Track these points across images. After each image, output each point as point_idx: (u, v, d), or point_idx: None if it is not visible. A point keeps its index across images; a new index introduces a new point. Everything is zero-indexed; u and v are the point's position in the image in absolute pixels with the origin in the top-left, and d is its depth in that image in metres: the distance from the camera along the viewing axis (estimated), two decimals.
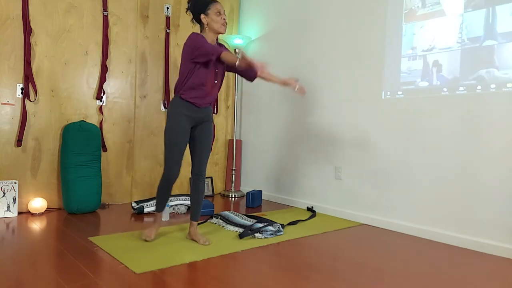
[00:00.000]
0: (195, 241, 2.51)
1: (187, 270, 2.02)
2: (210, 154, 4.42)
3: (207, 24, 2.45)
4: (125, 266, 2.03)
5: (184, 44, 2.39)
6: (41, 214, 3.14)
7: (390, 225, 3.07)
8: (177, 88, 2.43)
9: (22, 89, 3.15)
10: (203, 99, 2.43)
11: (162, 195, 2.51)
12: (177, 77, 2.65)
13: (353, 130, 3.38)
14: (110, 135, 3.65)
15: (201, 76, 2.38)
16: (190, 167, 2.54)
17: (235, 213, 3.15)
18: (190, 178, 2.95)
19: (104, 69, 3.55)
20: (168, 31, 3.99)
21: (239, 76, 4.62)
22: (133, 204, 3.32)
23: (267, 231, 2.71)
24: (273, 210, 3.68)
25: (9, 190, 3.04)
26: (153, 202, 3.33)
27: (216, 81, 2.50)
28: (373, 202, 3.20)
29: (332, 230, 2.98)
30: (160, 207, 2.55)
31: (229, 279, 1.92)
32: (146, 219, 3.13)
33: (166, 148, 2.41)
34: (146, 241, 2.46)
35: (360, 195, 3.31)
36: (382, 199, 3.14)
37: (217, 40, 2.56)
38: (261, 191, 3.94)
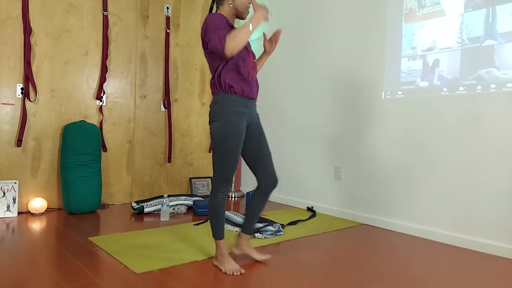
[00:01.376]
0: (247, 254, 2.18)
1: (187, 270, 2.02)
2: (211, 154, 4.46)
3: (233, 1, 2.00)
4: (125, 266, 2.03)
5: (204, 24, 1.95)
6: (41, 214, 3.14)
7: (390, 225, 3.07)
8: (215, 84, 1.99)
9: (22, 89, 3.16)
10: (251, 86, 2.01)
11: (222, 216, 2.02)
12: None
13: (353, 130, 3.38)
14: (110, 135, 3.65)
15: (239, 56, 1.96)
16: (212, 172, 2.12)
17: (235, 213, 3.15)
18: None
19: (104, 69, 3.55)
20: (168, 31, 3.99)
21: None
22: (133, 204, 3.32)
23: (267, 231, 2.71)
24: (273, 210, 3.68)
25: (9, 190, 3.04)
26: (153, 202, 3.33)
27: (254, 59, 2.11)
28: (373, 202, 3.20)
29: (332, 230, 2.98)
30: (221, 232, 2.04)
31: (229, 279, 1.92)
32: (146, 219, 3.13)
33: (220, 158, 1.95)
34: (241, 274, 2.00)
35: (360, 195, 3.31)
36: (382, 199, 3.14)
37: None
38: None
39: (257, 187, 2.14)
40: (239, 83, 1.95)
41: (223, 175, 1.96)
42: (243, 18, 2.06)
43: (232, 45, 1.81)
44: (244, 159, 2.15)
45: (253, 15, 1.85)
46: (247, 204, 3.75)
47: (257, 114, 2.13)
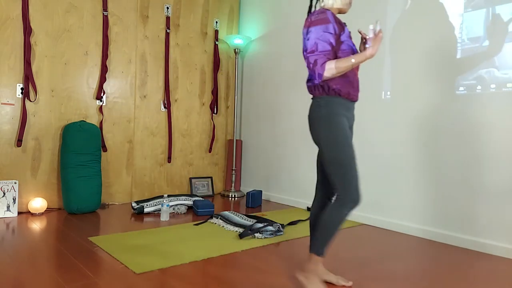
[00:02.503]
0: (327, 281, 1.92)
1: (187, 270, 2.02)
2: (210, 154, 4.46)
3: None
4: (125, 266, 2.03)
5: (310, 23, 1.79)
6: (41, 214, 3.14)
7: (390, 225, 3.07)
8: (318, 86, 1.82)
9: (22, 89, 3.16)
10: (356, 88, 1.87)
11: (337, 229, 1.78)
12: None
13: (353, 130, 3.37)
14: (110, 135, 3.65)
15: (346, 54, 1.81)
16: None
17: (235, 213, 3.15)
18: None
19: (104, 69, 3.55)
20: (168, 31, 3.99)
21: (238, 76, 4.64)
22: (133, 204, 3.32)
23: (267, 231, 2.71)
24: (273, 210, 3.68)
25: (9, 190, 3.04)
26: (153, 202, 3.33)
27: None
28: (373, 202, 3.20)
29: None
30: (326, 248, 1.80)
31: (229, 279, 1.92)
32: (146, 219, 3.13)
33: (342, 167, 1.74)
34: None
35: None
36: (382, 199, 3.14)
37: None
38: (261, 191, 3.94)
39: (320, 196, 1.95)
40: (345, 85, 1.81)
41: (351, 185, 1.73)
42: (344, 13, 1.96)
43: (330, 75, 1.72)
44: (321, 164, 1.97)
45: (364, 53, 1.70)
46: (248, 205, 3.76)
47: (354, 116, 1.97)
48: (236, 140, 4.52)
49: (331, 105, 1.79)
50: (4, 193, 3.03)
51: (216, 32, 4.42)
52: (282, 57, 4.07)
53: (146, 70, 3.87)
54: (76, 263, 2.05)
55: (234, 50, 4.42)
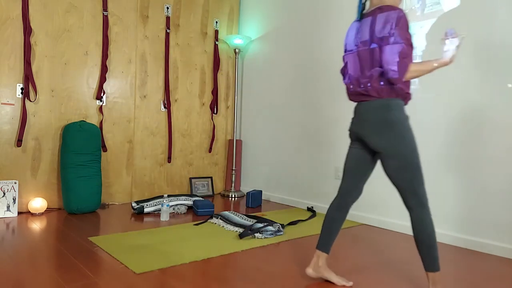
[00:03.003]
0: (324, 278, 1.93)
1: (187, 270, 2.02)
2: (211, 154, 4.46)
3: None
4: (125, 266, 2.03)
5: (398, 19, 1.68)
6: (41, 214, 3.14)
7: (390, 225, 3.07)
8: (391, 88, 1.74)
9: (22, 89, 3.16)
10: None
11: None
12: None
13: None
14: (110, 135, 3.65)
15: (413, 58, 1.77)
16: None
17: (235, 213, 3.15)
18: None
19: (104, 69, 3.55)
20: (168, 31, 3.99)
21: (238, 76, 4.64)
22: (133, 204, 3.32)
23: (267, 231, 2.71)
24: (273, 210, 3.68)
25: (9, 190, 3.04)
26: (153, 202, 3.33)
27: None
28: (373, 202, 3.20)
29: None
30: (438, 260, 1.75)
31: (229, 279, 1.92)
32: (146, 219, 3.13)
33: (419, 171, 1.72)
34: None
35: None
36: (382, 199, 3.14)
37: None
38: (261, 191, 3.94)
39: (345, 200, 1.93)
40: (409, 88, 1.78)
41: (424, 190, 1.72)
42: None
43: (410, 77, 1.68)
44: (368, 168, 1.90)
45: (444, 60, 1.67)
46: (248, 205, 3.76)
47: None
48: (236, 140, 4.52)
49: (401, 108, 1.74)
50: (4, 193, 3.03)
51: (216, 32, 4.42)
52: (282, 57, 4.07)
53: (146, 70, 3.87)
54: (76, 263, 2.05)
55: (234, 50, 4.42)
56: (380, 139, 1.73)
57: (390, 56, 1.67)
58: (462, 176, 2.68)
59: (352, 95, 1.93)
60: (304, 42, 3.85)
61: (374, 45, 1.75)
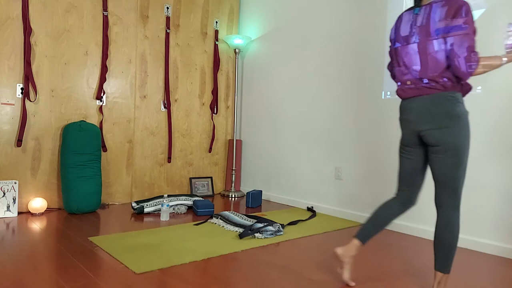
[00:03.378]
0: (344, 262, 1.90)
1: (187, 270, 2.02)
2: (211, 154, 4.46)
3: None
4: (125, 266, 2.03)
5: (462, 9, 1.61)
6: (41, 214, 3.14)
7: (390, 225, 3.07)
8: (457, 83, 1.68)
9: (22, 89, 3.16)
10: None
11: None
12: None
13: (353, 130, 3.38)
14: (110, 135, 3.65)
15: None
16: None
17: (235, 213, 3.15)
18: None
19: (104, 69, 3.55)
20: (168, 31, 3.99)
21: (238, 76, 4.64)
22: (133, 204, 3.32)
23: (267, 231, 2.71)
24: (273, 210, 3.68)
25: (9, 190, 3.04)
26: (153, 202, 3.33)
27: None
28: (373, 202, 3.20)
29: (332, 230, 2.98)
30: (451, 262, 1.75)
31: (229, 279, 1.92)
32: (146, 219, 3.13)
33: (464, 170, 1.69)
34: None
35: (360, 195, 3.31)
36: (382, 199, 3.14)
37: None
38: (261, 191, 3.94)
39: (401, 200, 1.89)
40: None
41: (462, 192, 1.71)
42: None
43: (478, 73, 1.61)
44: (421, 168, 1.85)
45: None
46: (248, 205, 3.76)
47: None
48: (236, 140, 4.52)
49: (463, 102, 1.68)
50: (4, 193, 3.03)
51: (216, 32, 4.42)
52: (282, 57, 4.07)
53: (146, 70, 3.87)
54: (76, 263, 2.05)
55: (234, 50, 4.42)
56: (441, 132, 1.66)
57: (458, 49, 1.60)
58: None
59: (409, 90, 1.78)
60: (303, 42, 3.85)
61: (437, 37, 1.66)
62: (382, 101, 3.17)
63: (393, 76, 1.94)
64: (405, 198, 1.87)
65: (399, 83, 1.85)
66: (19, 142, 3.13)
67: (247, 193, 3.82)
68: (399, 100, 3.05)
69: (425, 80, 1.71)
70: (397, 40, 1.84)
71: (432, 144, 1.71)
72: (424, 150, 1.81)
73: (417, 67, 1.75)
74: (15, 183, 3.08)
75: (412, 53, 1.76)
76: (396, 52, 1.85)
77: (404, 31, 1.80)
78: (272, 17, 4.23)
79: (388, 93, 3.13)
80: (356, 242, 1.87)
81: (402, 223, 2.99)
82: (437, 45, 1.67)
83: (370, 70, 3.26)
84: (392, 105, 3.10)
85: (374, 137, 3.21)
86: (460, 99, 1.67)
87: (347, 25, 3.46)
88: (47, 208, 3.25)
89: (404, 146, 1.86)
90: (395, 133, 3.06)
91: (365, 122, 3.28)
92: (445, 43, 1.65)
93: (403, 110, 1.81)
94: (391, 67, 1.96)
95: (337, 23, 3.54)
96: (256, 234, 2.67)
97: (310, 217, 3.32)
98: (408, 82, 1.78)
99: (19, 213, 3.13)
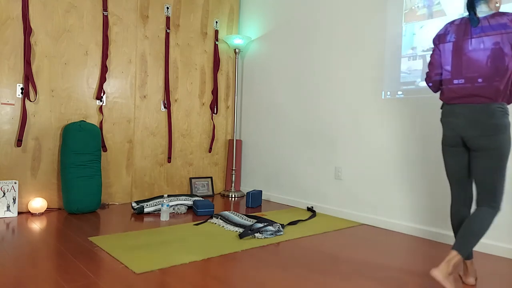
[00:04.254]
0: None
1: (187, 270, 2.02)
2: (211, 154, 4.46)
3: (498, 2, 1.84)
4: (125, 266, 2.03)
5: None
6: (41, 214, 3.14)
7: (390, 225, 3.07)
8: (504, 91, 1.76)
9: (22, 89, 3.16)
10: None
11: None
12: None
13: (353, 130, 3.38)
14: (110, 135, 3.65)
15: None
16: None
17: (235, 213, 3.15)
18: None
19: (104, 69, 3.55)
20: (168, 31, 3.99)
21: (238, 76, 4.64)
22: (133, 204, 3.32)
23: (267, 231, 2.71)
24: (273, 210, 3.68)
25: (9, 190, 3.04)
26: (153, 202, 3.33)
27: None
28: (373, 202, 3.20)
29: (332, 230, 2.98)
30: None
31: (229, 279, 1.92)
32: (146, 219, 3.13)
33: (504, 174, 1.80)
34: None
35: (360, 195, 3.31)
36: (382, 199, 3.14)
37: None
38: (261, 191, 3.94)
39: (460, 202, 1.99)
40: None
41: (503, 195, 1.82)
42: None
43: None
44: (466, 165, 1.95)
45: None
46: (248, 205, 3.76)
47: None
48: (236, 140, 4.52)
49: (509, 114, 1.80)
50: (4, 193, 3.03)
51: (216, 32, 4.42)
52: (282, 57, 4.07)
53: (146, 70, 3.87)
54: (76, 263, 2.05)
55: (234, 50, 4.42)
56: (488, 140, 1.77)
57: None
58: None
59: (458, 98, 1.85)
60: (304, 42, 3.85)
61: (492, 46, 1.74)
62: (382, 101, 3.17)
63: (436, 82, 2.00)
64: (460, 198, 1.97)
65: (448, 90, 1.91)
66: (19, 142, 3.13)
67: (247, 193, 3.82)
68: (399, 100, 3.05)
69: (477, 89, 1.79)
70: (449, 47, 1.90)
71: (475, 149, 1.82)
72: (468, 149, 1.90)
73: (467, 74, 1.83)
74: (15, 183, 3.08)
75: (463, 60, 1.84)
76: (443, 58, 1.93)
77: (454, 38, 1.88)
78: (272, 17, 4.23)
79: (388, 93, 3.13)
80: (459, 257, 1.76)
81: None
82: (491, 54, 1.76)
83: (370, 70, 3.26)
84: (392, 105, 3.10)
85: (374, 137, 3.21)
86: (507, 111, 1.77)
87: (347, 24, 3.45)
88: (47, 208, 3.25)
89: (448, 146, 1.94)
90: (395, 133, 3.06)
91: (365, 122, 3.28)
92: (503, 54, 1.73)
93: (451, 113, 1.88)
94: (433, 72, 2.00)
95: (337, 23, 3.54)
96: (256, 234, 2.67)
97: (310, 217, 3.32)
98: (457, 89, 1.86)
99: (19, 213, 3.13)
